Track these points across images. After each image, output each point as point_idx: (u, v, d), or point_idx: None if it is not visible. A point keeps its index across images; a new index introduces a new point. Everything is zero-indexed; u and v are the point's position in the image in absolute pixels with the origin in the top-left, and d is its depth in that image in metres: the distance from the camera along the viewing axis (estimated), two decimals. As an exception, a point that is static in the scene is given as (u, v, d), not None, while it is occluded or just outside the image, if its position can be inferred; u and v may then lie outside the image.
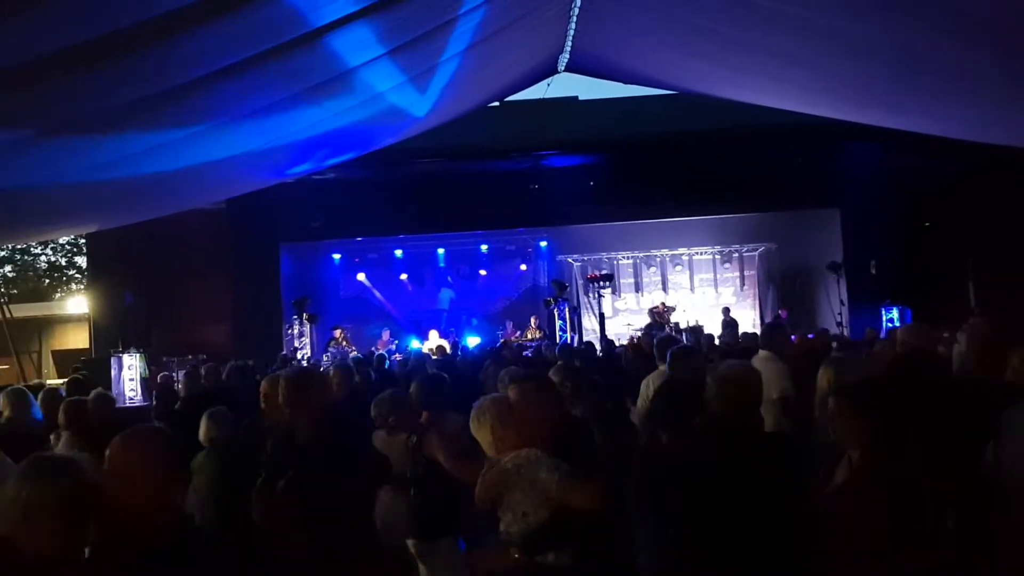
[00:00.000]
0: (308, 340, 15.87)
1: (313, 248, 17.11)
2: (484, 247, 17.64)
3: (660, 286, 17.82)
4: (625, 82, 12.27)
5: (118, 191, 7.73)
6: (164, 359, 13.81)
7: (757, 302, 17.69)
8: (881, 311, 14.08)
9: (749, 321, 16.53)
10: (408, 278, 17.77)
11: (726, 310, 16.03)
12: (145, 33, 4.01)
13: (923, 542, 2.83)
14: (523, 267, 17.89)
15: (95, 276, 17.60)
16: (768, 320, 16.40)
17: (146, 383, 12.35)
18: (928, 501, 2.81)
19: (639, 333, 12.54)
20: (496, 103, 13.47)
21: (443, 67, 7.61)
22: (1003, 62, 5.74)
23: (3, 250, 27.24)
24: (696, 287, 17.87)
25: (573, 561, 3.02)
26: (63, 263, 29.52)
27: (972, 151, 10.35)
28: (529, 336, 15.34)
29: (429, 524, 4.16)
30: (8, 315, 17.42)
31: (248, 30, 4.66)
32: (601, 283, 15.32)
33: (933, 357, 4.22)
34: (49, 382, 12.74)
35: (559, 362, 6.49)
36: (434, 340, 14.58)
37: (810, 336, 9.56)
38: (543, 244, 17.65)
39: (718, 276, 17.90)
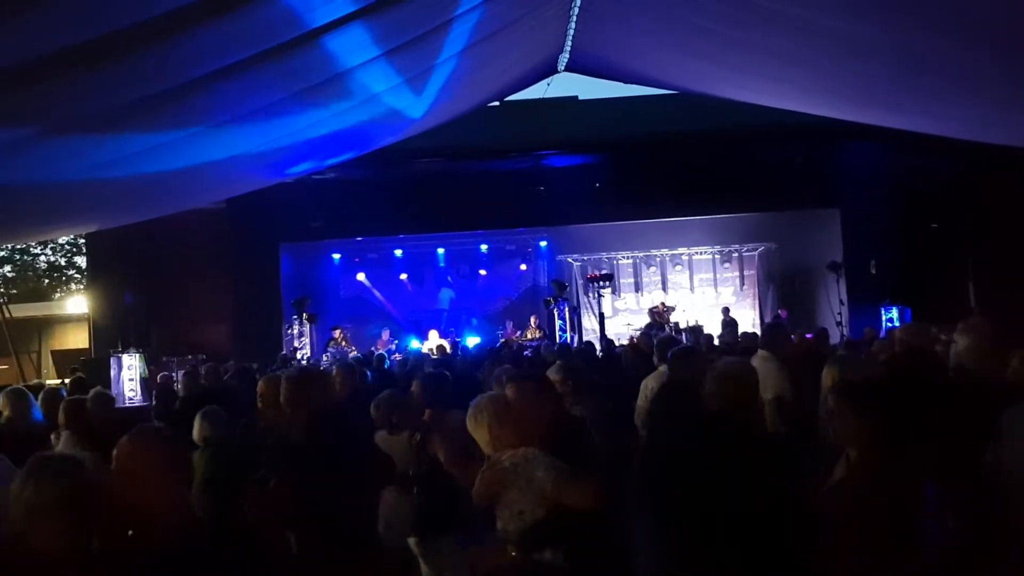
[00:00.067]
0: (308, 340, 15.87)
1: (313, 248, 17.11)
2: (484, 247, 17.64)
3: (660, 286, 17.82)
4: (625, 82, 12.28)
5: (118, 191, 7.73)
6: (164, 359, 13.82)
7: (757, 302, 17.68)
8: (881, 311, 14.08)
9: (749, 321, 16.52)
10: (408, 278, 17.76)
11: (726, 310, 16.03)
12: (145, 33, 4.02)
13: (922, 542, 2.83)
14: (523, 267, 17.89)
15: (95, 276, 17.60)
16: (768, 320, 16.41)
17: (146, 383, 12.35)
18: (926, 501, 2.81)
19: (638, 333, 12.54)
20: (496, 103, 13.48)
21: (440, 68, 7.61)
22: (1003, 62, 5.74)
23: (3, 250, 27.24)
24: (696, 287, 17.86)
25: (569, 559, 3.04)
26: (63, 263, 29.53)
27: (972, 151, 10.35)
28: (529, 336, 15.33)
29: (432, 522, 4.17)
30: (8, 315, 17.41)
31: (247, 30, 4.66)
32: (601, 283, 15.32)
33: (932, 357, 4.23)
34: (49, 382, 12.75)
35: (557, 361, 6.50)
36: (434, 340, 14.59)
37: (808, 336, 9.54)
38: (543, 244, 17.65)
39: (718, 276, 17.90)
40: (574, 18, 8.29)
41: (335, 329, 15.44)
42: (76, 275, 28.74)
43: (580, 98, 15.49)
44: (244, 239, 15.53)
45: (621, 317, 17.19)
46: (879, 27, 5.77)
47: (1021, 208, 13.04)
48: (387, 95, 7.74)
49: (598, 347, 11.35)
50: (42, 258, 29.49)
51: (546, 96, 13.23)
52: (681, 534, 3.21)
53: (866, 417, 2.94)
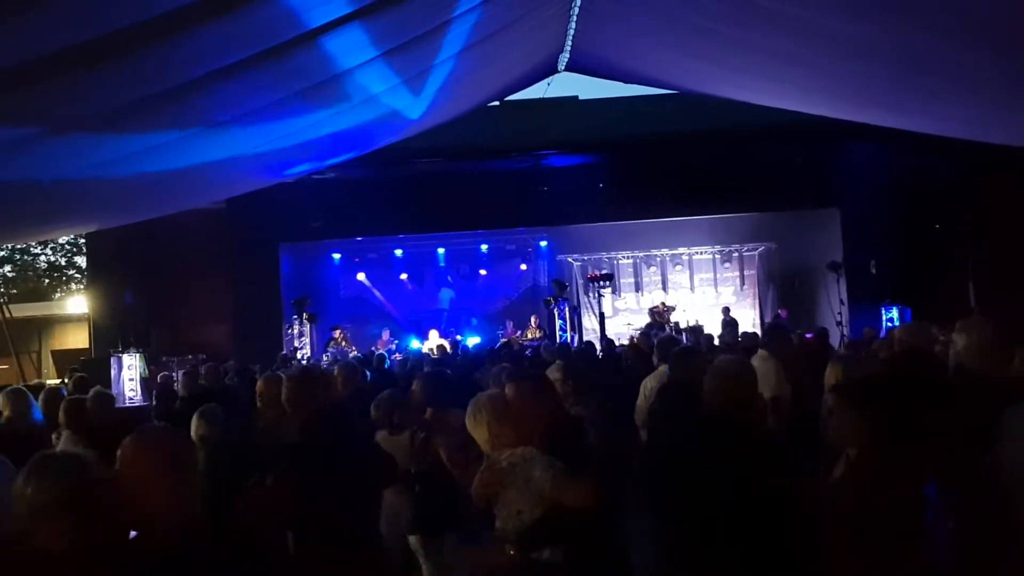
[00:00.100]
0: (308, 340, 15.87)
1: (313, 248, 17.10)
2: (484, 247, 17.63)
3: (660, 286, 17.82)
4: (625, 82, 12.28)
5: (118, 191, 7.73)
6: (164, 359, 13.84)
7: (757, 302, 17.69)
8: (881, 311, 14.08)
9: (749, 321, 16.52)
10: (408, 278, 17.76)
11: (726, 310, 16.03)
12: (145, 33, 4.02)
13: (922, 542, 2.83)
14: (523, 267, 17.88)
15: (95, 276, 17.60)
16: (768, 319, 16.41)
17: (146, 383, 12.36)
18: (926, 501, 2.81)
19: (638, 333, 12.54)
20: (496, 103, 13.48)
21: (439, 69, 7.61)
22: (1003, 62, 5.74)
23: (3, 250, 27.25)
24: (696, 287, 17.86)
25: (566, 558, 3.05)
26: (63, 263, 29.54)
27: (972, 151, 10.35)
28: (529, 336, 15.34)
29: (433, 520, 4.17)
30: (8, 315, 17.42)
31: (247, 30, 4.66)
32: (601, 283, 15.32)
33: (932, 357, 4.22)
34: (49, 382, 12.76)
35: (557, 361, 6.49)
36: (434, 340, 14.59)
37: (808, 336, 9.54)
38: (543, 244, 17.65)
39: (718, 276, 17.90)
40: (574, 18, 8.29)
41: (335, 329, 15.44)
42: (76, 275, 28.75)
43: (580, 98, 15.50)
44: (244, 239, 15.53)
45: (621, 317, 17.20)
46: (879, 27, 5.77)
47: (1021, 208, 13.04)
48: (385, 96, 7.75)
49: (598, 347, 11.35)
50: (42, 258, 29.51)
51: (546, 96, 13.24)
52: (681, 534, 3.21)
53: (866, 417, 2.94)
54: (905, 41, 5.96)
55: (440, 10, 5.90)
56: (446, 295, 17.94)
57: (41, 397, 5.57)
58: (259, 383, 4.57)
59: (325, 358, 14.07)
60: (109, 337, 14.67)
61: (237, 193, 12.57)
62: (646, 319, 15.77)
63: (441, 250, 17.69)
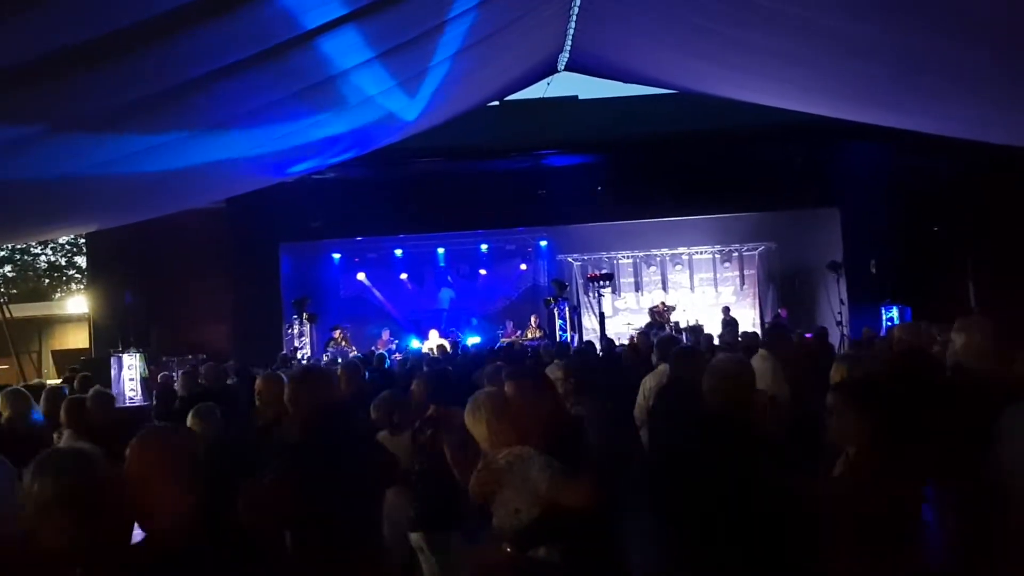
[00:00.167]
0: (308, 340, 15.88)
1: (313, 248, 17.10)
2: (484, 247, 17.64)
3: (660, 285, 17.82)
4: (625, 82, 12.27)
5: (118, 190, 7.73)
6: (164, 359, 13.85)
7: (757, 301, 17.69)
8: (881, 310, 14.10)
9: (749, 320, 16.53)
10: (408, 278, 17.77)
11: (726, 309, 16.04)
12: (145, 33, 4.02)
13: (922, 542, 2.83)
14: (523, 267, 17.89)
15: (95, 276, 17.61)
16: (768, 319, 16.42)
17: (146, 383, 12.36)
18: (926, 501, 2.82)
19: (637, 333, 12.54)
20: (496, 102, 13.47)
21: (435, 70, 7.60)
22: (1003, 62, 5.74)
23: (3, 250, 27.25)
24: (696, 286, 17.87)
25: (563, 557, 3.05)
26: (63, 263, 29.55)
27: (972, 151, 10.35)
28: (529, 336, 15.34)
29: (439, 517, 4.17)
30: (8, 315, 17.43)
31: (247, 30, 4.66)
32: (601, 283, 15.32)
33: (931, 357, 4.23)
34: (49, 382, 12.75)
35: (555, 360, 6.50)
36: (434, 340, 14.60)
37: (808, 336, 9.54)
38: (543, 244, 17.65)
39: (718, 275, 17.91)
40: (574, 17, 8.29)
41: (335, 329, 15.45)
42: (76, 275, 28.76)
43: (580, 98, 15.50)
44: (244, 239, 15.53)
45: (621, 317, 17.21)
46: (879, 27, 5.77)
47: (1021, 208, 13.05)
48: (381, 98, 7.75)
49: (598, 347, 11.35)
50: (42, 258, 29.52)
51: (546, 96, 13.24)
52: (681, 534, 3.22)
53: (866, 417, 2.94)
54: (905, 41, 5.96)
55: (435, 12, 5.90)
56: (446, 295, 17.94)
57: (43, 396, 5.58)
58: (258, 382, 4.56)
59: (325, 358, 14.07)
60: (109, 337, 14.68)
61: (237, 193, 12.57)
62: (646, 319, 15.78)
63: (441, 250, 17.70)
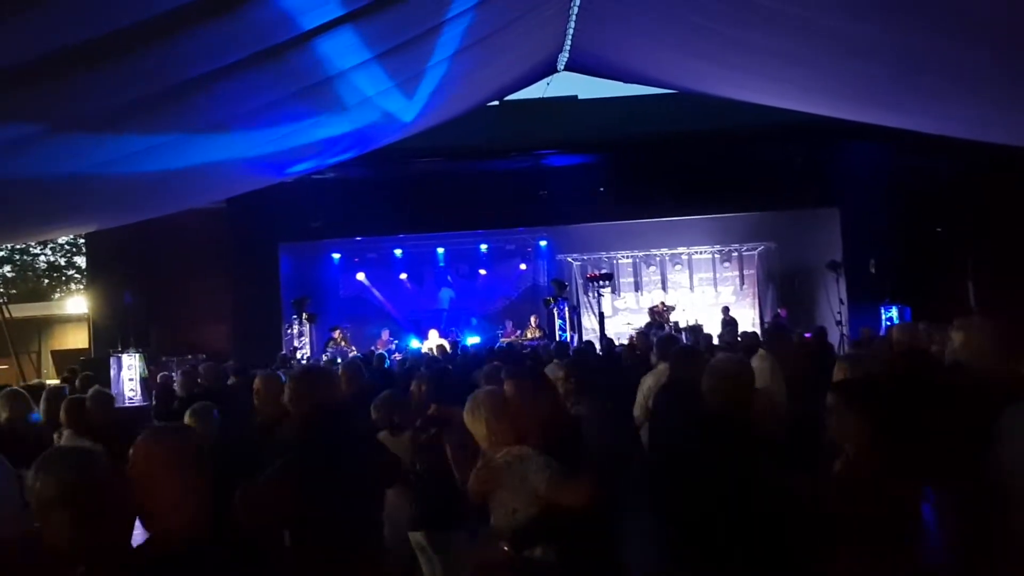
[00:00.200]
0: (308, 340, 15.88)
1: (312, 248, 17.11)
2: (484, 247, 17.64)
3: (660, 285, 17.83)
4: (625, 81, 12.27)
5: (118, 190, 7.73)
6: (163, 359, 13.85)
7: (756, 301, 17.70)
8: (881, 310, 14.10)
9: (748, 320, 16.55)
10: (408, 278, 17.77)
11: (725, 309, 16.05)
12: (145, 33, 4.01)
13: (922, 543, 2.83)
14: (523, 266, 17.89)
15: (94, 276, 17.61)
16: (768, 319, 16.43)
17: (145, 383, 12.36)
18: (925, 501, 2.81)
19: (635, 333, 12.54)
20: (495, 102, 13.47)
21: (433, 71, 7.59)
22: (1003, 62, 5.73)
23: (2, 250, 27.25)
24: (696, 286, 17.88)
25: (559, 557, 3.06)
26: (62, 263, 29.54)
27: (972, 151, 10.34)
28: (529, 336, 15.34)
29: (441, 516, 4.17)
30: (7, 315, 17.42)
31: (247, 30, 4.66)
32: (601, 282, 15.32)
33: (931, 356, 4.23)
34: (48, 382, 12.75)
35: (554, 360, 6.49)
36: (434, 340, 14.60)
37: (807, 335, 9.53)
38: (543, 244, 17.66)
39: (717, 275, 17.91)
40: (573, 17, 8.28)
41: (334, 330, 15.45)
42: (76, 275, 28.75)
43: (580, 98, 15.49)
44: (244, 239, 15.53)
45: (621, 316, 17.21)
46: (879, 27, 5.76)
47: (1021, 208, 13.05)
48: (379, 99, 7.74)
49: (598, 347, 11.35)
50: (42, 258, 29.51)
51: (546, 96, 13.23)
52: (681, 534, 3.22)
53: (866, 417, 2.94)
54: (905, 41, 5.95)
55: (432, 13, 5.89)
56: (446, 295, 17.94)
57: (44, 396, 5.58)
58: (256, 381, 4.56)
59: (324, 358, 14.07)
60: (109, 337, 14.68)
61: (237, 193, 12.57)
62: (646, 319, 15.79)
63: (441, 250, 17.70)
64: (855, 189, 14.83)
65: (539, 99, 13.54)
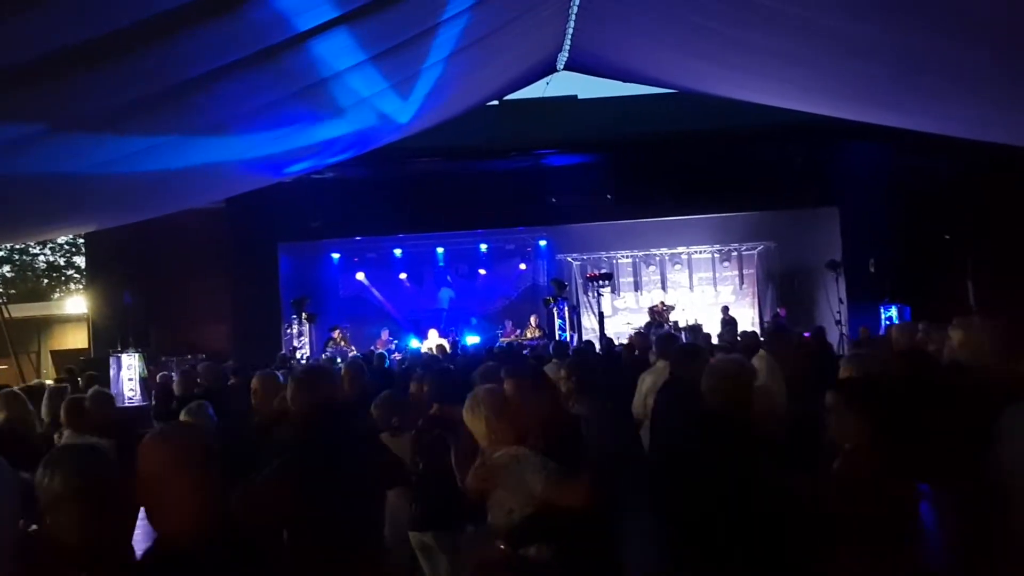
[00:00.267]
0: (307, 340, 15.88)
1: (312, 248, 17.11)
2: (483, 246, 17.64)
3: (659, 285, 17.83)
4: (625, 81, 12.26)
5: (118, 190, 7.72)
6: (163, 359, 13.85)
7: (756, 301, 17.70)
8: (880, 310, 14.10)
9: (748, 320, 16.56)
10: (407, 277, 17.77)
11: (725, 309, 16.05)
12: (145, 33, 4.01)
13: (921, 542, 2.83)
14: (522, 266, 17.89)
15: (94, 276, 17.61)
16: (767, 318, 16.43)
17: (145, 383, 12.36)
18: (925, 501, 2.81)
19: (635, 332, 12.54)
20: (495, 102, 13.47)
21: (429, 72, 7.59)
22: (1003, 62, 5.73)
23: (2, 250, 27.25)
24: (695, 286, 17.88)
25: (555, 556, 3.06)
26: (62, 263, 29.53)
27: (972, 151, 10.35)
28: (529, 335, 15.34)
29: (441, 516, 4.17)
30: (7, 315, 17.41)
31: (247, 31, 4.66)
32: (600, 282, 15.32)
33: (930, 356, 4.23)
34: (48, 382, 12.74)
35: (554, 360, 6.49)
36: (433, 339, 14.60)
37: (806, 335, 9.53)
38: (542, 243, 17.66)
39: (717, 275, 17.91)
40: (573, 17, 8.28)
41: (334, 329, 15.45)
42: (75, 275, 28.74)
43: (579, 97, 15.49)
44: (243, 239, 15.53)
45: (621, 316, 17.21)
46: (879, 27, 5.76)
47: (1021, 208, 13.05)
48: (375, 99, 7.74)
49: (597, 346, 11.35)
50: (41, 258, 29.50)
51: (545, 95, 13.23)
52: (681, 534, 3.22)
53: (866, 416, 2.94)
54: (905, 41, 5.95)
55: (428, 15, 5.89)
56: (445, 295, 17.94)
57: (45, 396, 5.59)
58: (254, 381, 4.56)
59: (324, 358, 14.07)
60: (108, 337, 14.68)
61: (236, 193, 12.57)
62: (645, 318, 15.79)
63: (440, 250, 17.70)
64: (855, 189, 14.83)
65: (539, 99, 13.54)
